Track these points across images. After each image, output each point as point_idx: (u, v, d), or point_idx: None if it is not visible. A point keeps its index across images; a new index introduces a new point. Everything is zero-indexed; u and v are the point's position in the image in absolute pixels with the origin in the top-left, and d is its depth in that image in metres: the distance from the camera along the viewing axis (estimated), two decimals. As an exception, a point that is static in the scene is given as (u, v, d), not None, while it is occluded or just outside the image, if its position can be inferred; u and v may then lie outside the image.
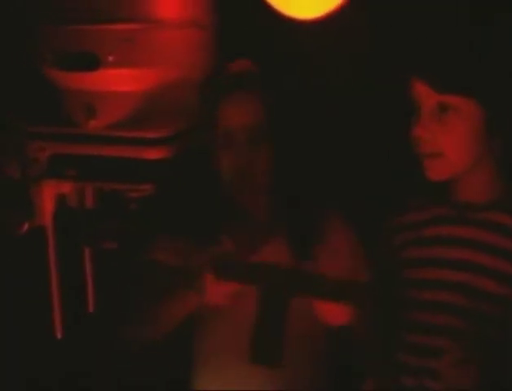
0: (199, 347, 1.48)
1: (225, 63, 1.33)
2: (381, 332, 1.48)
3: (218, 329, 1.43)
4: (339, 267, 1.38)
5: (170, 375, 1.65)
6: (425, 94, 1.37)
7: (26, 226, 1.32)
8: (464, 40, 1.40)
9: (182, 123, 1.29)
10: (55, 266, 1.37)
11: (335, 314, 1.29)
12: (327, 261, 1.41)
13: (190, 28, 1.28)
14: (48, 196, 1.33)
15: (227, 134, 1.31)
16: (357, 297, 1.22)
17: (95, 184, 1.33)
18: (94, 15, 1.23)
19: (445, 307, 1.35)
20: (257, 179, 1.39)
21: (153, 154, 1.26)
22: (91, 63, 1.23)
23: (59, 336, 1.41)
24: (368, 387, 1.45)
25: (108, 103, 1.27)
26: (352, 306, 1.24)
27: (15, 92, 1.35)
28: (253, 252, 1.43)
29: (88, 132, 1.28)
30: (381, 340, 1.49)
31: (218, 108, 1.37)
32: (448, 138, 1.37)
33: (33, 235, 1.35)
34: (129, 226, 1.34)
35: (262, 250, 1.46)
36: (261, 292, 1.23)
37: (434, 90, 1.36)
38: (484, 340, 1.34)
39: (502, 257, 1.39)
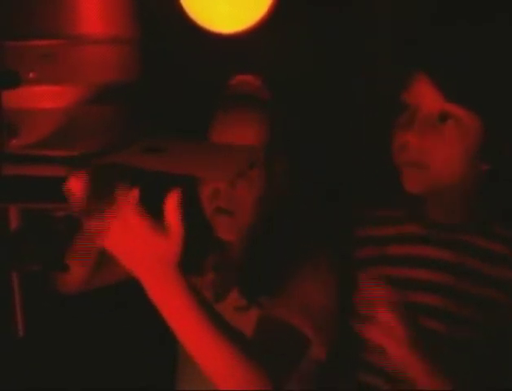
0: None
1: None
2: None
3: None
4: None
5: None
6: (430, 98, 1.25)
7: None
8: (493, 54, 1.30)
9: (106, 140, 1.26)
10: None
11: None
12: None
13: (112, 44, 1.25)
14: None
15: None
16: None
17: (19, 205, 1.28)
18: (13, 31, 1.20)
19: None
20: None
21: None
22: (12, 80, 1.20)
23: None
24: None
25: (30, 120, 1.23)
26: None
27: None
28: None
29: (10, 151, 1.24)
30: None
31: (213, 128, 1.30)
32: (439, 150, 1.26)
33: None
34: (55, 248, 1.30)
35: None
36: None
37: (444, 95, 1.25)
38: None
39: (473, 280, 1.34)
